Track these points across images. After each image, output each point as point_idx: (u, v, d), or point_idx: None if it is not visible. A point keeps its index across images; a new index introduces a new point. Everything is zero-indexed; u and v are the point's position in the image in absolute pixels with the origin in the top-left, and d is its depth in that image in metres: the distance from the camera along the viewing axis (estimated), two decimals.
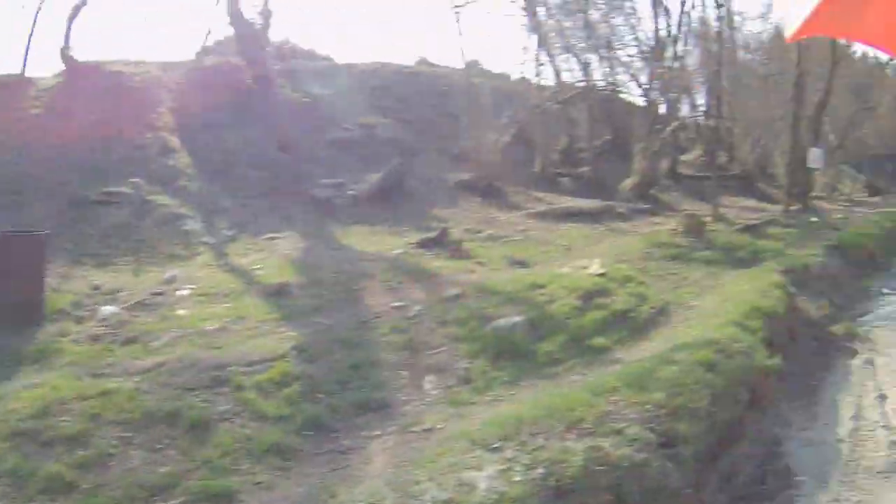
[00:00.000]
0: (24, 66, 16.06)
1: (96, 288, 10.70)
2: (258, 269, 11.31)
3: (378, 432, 5.96)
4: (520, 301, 9.02)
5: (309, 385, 6.63)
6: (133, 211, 13.98)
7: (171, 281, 11.33)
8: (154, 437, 5.47)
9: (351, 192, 15.59)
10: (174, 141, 16.32)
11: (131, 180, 14.59)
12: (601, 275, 10.12)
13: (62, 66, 17.04)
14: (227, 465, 5.25)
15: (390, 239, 13.42)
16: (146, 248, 13.03)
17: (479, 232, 14.35)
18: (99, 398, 5.80)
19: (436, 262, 11.53)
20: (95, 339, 8.60)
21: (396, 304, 9.14)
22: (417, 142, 19.58)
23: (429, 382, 7.10)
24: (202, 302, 9.68)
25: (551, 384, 6.90)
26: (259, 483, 5.10)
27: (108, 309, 9.98)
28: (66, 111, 16.13)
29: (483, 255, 12.38)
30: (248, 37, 17.04)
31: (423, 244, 12.30)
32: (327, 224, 14.45)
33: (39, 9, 16.37)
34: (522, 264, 11.99)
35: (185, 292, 10.74)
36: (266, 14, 17.47)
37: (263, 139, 17.07)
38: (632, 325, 8.85)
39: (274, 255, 12.22)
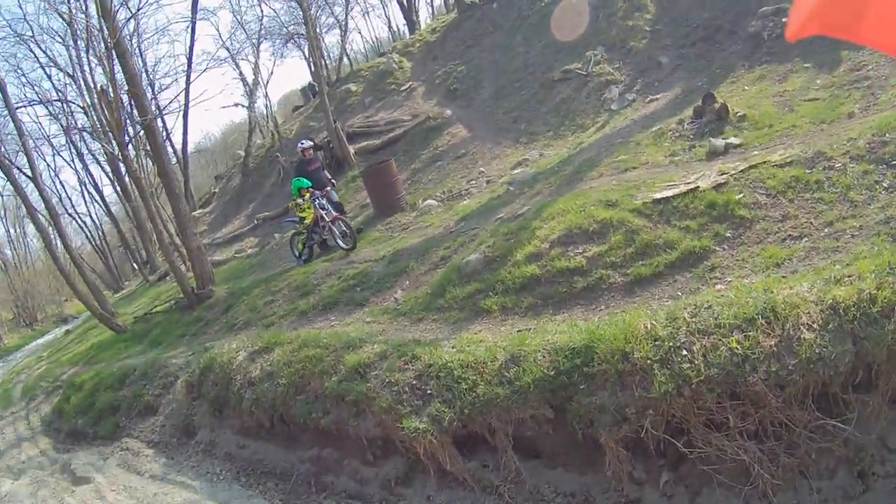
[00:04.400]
0: None
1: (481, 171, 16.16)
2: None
3: None
4: None
5: None
6: (577, 85, 17.55)
7: (521, 164, 15.17)
8: None
9: (784, 20, 14.80)
10: None
11: (588, 52, 17.87)
12: None
13: None
14: None
15: (776, 87, 13.09)
16: (567, 121, 16.77)
17: None
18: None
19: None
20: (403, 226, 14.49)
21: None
22: None
23: None
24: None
25: None
26: None
27: (427, 203, 15.08)
28: None
29: None
30: None
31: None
32: (738, 68, 14.72)
33: None
34: None
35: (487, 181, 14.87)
36: None
37: None
38: None
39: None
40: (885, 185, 7.44)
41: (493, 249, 9.45)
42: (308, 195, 14.38)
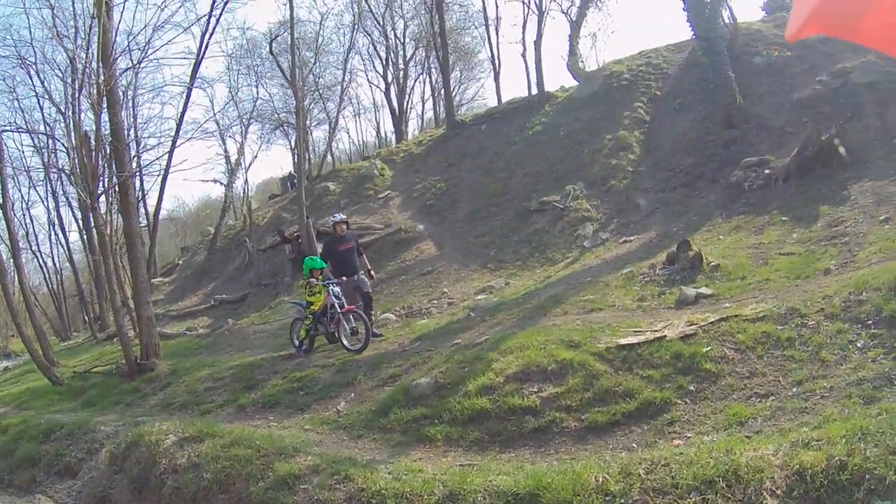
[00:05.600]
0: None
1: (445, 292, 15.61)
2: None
3: None
4: None
5: None
6: (552, 218, 17.60)
7: (485, 290, 15.02)
8: None
9: (767, 172, 15.09)
10: (632, 136, 18.90)
11: (568, 186, 18.04)
12: None
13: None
14: None
15: (752, 239, 13.12)
16: (538, 253, 16.74)
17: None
18: None
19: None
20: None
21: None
22: None
23: None
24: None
25: None
26: None
27: (385, 316, 14.73)
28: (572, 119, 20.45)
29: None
30: (695, 6, 17.72)
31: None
32: (715, 217, 14.86)
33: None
34: None
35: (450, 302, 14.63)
36: None
37: (715, 116, 17.65)
38: None
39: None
40: (858, 345, 7.25)
41: (445, 376, 9.18)
42: (321, 277, 13.10)
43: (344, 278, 13.07)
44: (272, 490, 7.46)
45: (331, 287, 12.80)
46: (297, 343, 13.53)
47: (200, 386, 12.64)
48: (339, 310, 12.51)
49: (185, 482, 8.56)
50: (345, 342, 12.35)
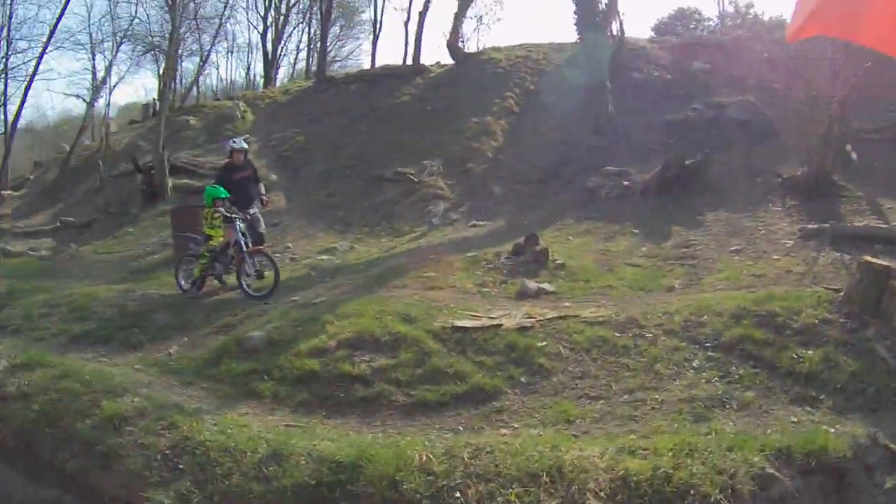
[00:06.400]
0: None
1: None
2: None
3: None
4: None
5: None
6: (405, 190, 17.32)
7: (329, 251, 14.56)
8: None
9: (626, 184, 15.41)
10: (497, 124, 18.98)
11: (426, 161, 17.83)
12: None
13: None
14: None
15: (601, 245, 13.22)
16: (385, 222, 16.43)
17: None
18: None
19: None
20: None
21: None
22: (780, 124, 17.01)
23: None
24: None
25: None
26: None
27: None
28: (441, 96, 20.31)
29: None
30: (586, 11, 18.03)
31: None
32: (566, 217, 14.97)
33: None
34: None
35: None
36: None
37: (584, 121, 17.95)
38: None
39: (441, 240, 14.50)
40: (694, 364, 7.41)
41: (279, 332, 9.01)
42: (224, 209, 11.65)
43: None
44: (98, 429, 7.26)
45: (237, 222, 11.58)
46: (182, 283, 12.20)
47: (36, 311, 11.77)
48: (244, 248, 11.44)
49: (13, 413, 8.21)
50: (245, 287, 11.31)
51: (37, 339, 10.61)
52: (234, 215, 11.62)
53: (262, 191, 12.96)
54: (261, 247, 11.81)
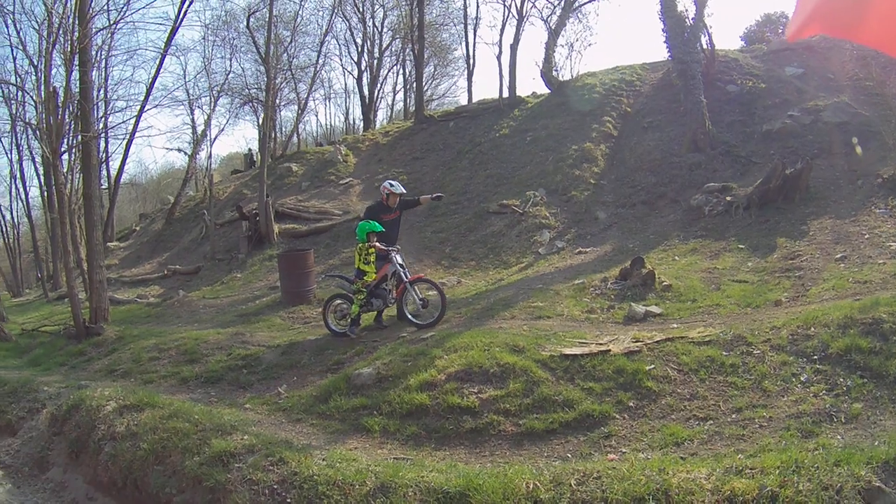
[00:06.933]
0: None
1: None
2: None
3: None
4: None
5: None
6: (510, 221, 17.61)
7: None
8: None
9: (729, 199, 15.29)
10: (598, 149, 19.03)
11: (529, 192, 18.09)
12: None
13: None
14: None
15: (707, 263, 13.28)
16: (492, 255, 16.74)
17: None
18: None
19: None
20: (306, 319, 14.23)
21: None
22: (878, 123, 16.44)
23: None
24: None
25: None
26: None
27: None
28: (540, 126, 20.60)
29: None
30: (674, 29, 17.91)
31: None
32: (672, 237, 14.99)
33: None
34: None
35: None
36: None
37: (682, 139, 17.86)
38: None
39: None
40: (802, 378, 7.34)
41: (388, 368, 9.22)
42: (380, 244, 11.52)
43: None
44: (207, 465, 7.42)
45: (392, 254, 11.48)
46: (332, 325, 11.96)
47: (145, 355, 12.53)
48: (405, 278, 11.36)
49: (123, 450, 8.53)
50: (410, 317, 11.38)
51: (146, 382, 11.25)
52: (389, 248, 11.53)
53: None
54: (421, 274, 12.07)
